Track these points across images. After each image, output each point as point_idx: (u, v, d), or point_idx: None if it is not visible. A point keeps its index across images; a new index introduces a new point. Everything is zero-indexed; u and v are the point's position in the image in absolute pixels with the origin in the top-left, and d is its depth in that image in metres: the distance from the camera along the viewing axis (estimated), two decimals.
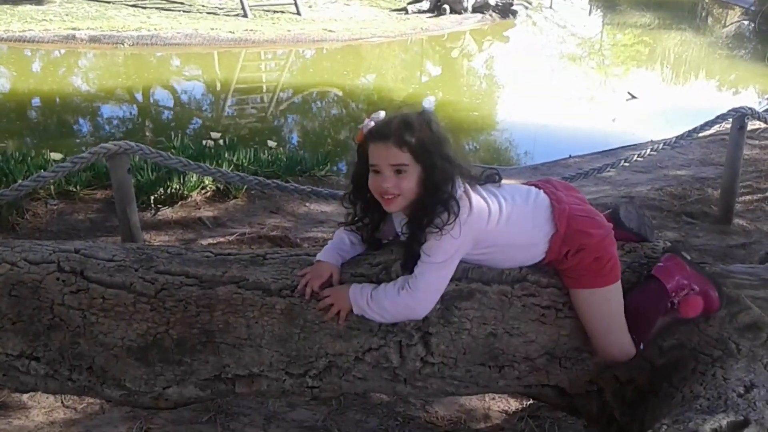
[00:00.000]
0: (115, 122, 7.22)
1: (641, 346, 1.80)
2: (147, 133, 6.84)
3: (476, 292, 1.75)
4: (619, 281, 1.78)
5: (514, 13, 13.70)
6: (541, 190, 1.82)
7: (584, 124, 7.33)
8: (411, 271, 1.71)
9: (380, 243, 1.90)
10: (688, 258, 1.85)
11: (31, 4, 11.79)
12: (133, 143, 2.91)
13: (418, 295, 1.69)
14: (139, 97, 8.33)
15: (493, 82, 10.45)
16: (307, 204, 4.34)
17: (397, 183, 1.66)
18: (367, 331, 1.77)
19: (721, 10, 17.56)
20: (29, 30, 9.97)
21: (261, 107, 8.14)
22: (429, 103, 8.77)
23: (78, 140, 6.50)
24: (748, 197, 4.30)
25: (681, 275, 1.79)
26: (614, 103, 8.43)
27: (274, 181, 3.24)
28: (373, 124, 1.71)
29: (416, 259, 1.70)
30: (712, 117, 3.90)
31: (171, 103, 8.22)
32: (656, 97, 8.94)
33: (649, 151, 3.74)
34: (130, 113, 7.66)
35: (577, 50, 13.09)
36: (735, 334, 1.81)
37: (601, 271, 1.73)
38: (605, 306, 1.77)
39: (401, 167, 1.65)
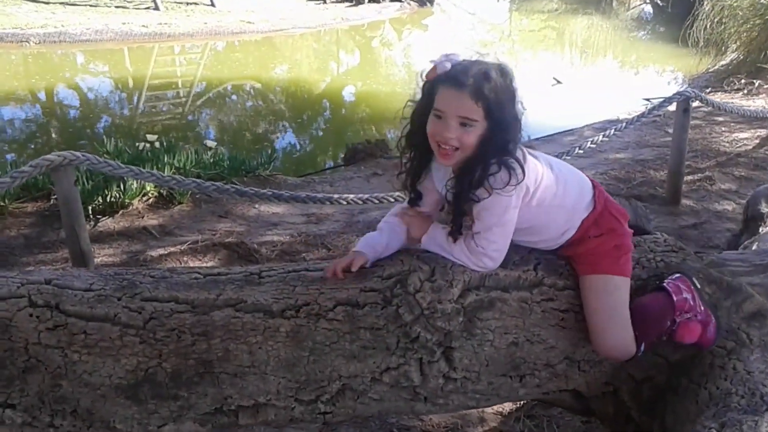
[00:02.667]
0: (31, 127, 6.73)
1: (641, 349, 1.76)
2: (67, 139, 6.40)
3: (497, 301, 1.68)
4: (629, 279, 1.75)
5: (432, 1, 13.77)
6: None
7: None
8: (459, 232, 1.64)
9: (421, 196, 1.77)
10: (698, 285, 1.82)
11: None
12: (78, 153, 2.66)
13: (483, 252, 1.65)
14: (56, 100, 7.80)
15: (414, 69, 10.44)
16: (257, 206, 4.16)
17: (461, 136, 1.54)
18: (384, 350, 1.66)
19: None
20: None
21: (188, 105, 7.79)
22: (349, 91, 8.68)
23: None
24: (690, 177, 4.44)
25: (689, 296, 1.76)
26: (539, 88, 8.59)
27: (234, 185, 3.06)
28: (449, 65, 1.57)
29: (463, 216, 1.62)
30: (634, 99, 3.97)
31: (90, 104, 7.74)
32: (574, 82, 9.14)
33: (601, 137, 3.79)
34: (48, 118, 7.15)
35: (488, 36, 13.25)
36: (743, 324, 1.81)
37: (618, 260, 1.71)
38: (615, 295, 1.72)
39: (470, 121, 1.54)
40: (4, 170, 4.57)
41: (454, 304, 1.65)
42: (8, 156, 5.96)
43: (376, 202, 3.35)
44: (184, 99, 8.05)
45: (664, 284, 1.78)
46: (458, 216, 1.65)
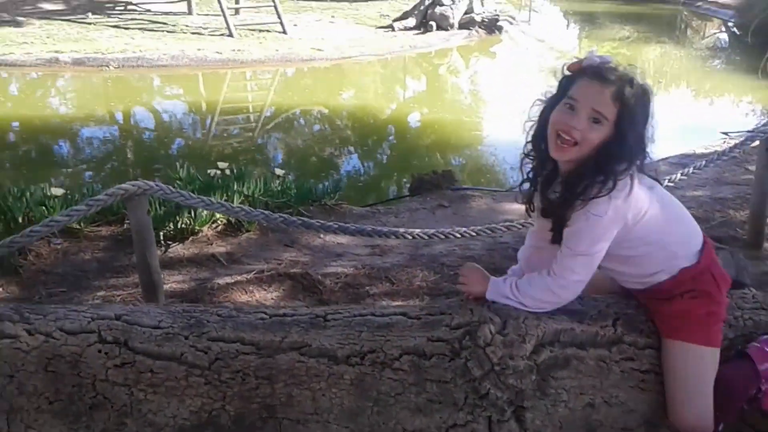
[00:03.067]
0: (109, 148, 6.99)
1: (720, 427, 1.64)
2: (143, 160, 6.61)
3: (572, 359, 1.59)
4: (718, 351, 1.63)
5: (500, 28, 13.69)
6: None
7: None
8: (560, 241, 1.58)
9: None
10: None
11: (10, 26, 11.51)
12: (152, 183, 2.72)
13: (563, 281, 1.57)
14: (133, 123, 8.11)
15: (481, 97, 10.38)
16: (322, 236, 4.16)
17: (587, 130, 1.50)
18: (451, 405, 1.60)
19: (700, 22, 17.75)
20: (10, 53, 9.70)
21: (258, 130, 7.95)
22: (415, 118, 8.67)
23: (69, 168, 6.26)
24: None
25: None
26: None
27: (300, 218, 3.06)
28: (598, 61, 1.54)
29: (563, 225, 1.56)
30: (713, 132, 3.79)
31: (165, 127, 8.00)
32: None
33: (680, 175, 3.63)
34: (125, 140, 7.42)
35: (557, 63, 13.05)
36: None
37: (709, 329, 1.59)
38: (700, 367, 1.61)
39: (602, 118, 1.49)
40: (80, 190, 4.76)
41: (527, 361, 1.57)
42: (87, 173, 6.22)
43: (442, 237, 3.29)
44: (254, 124, 8.22)
45: (748, 351, 1.65)
46: (558, 227, 1.59)
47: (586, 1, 21.30)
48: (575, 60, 1.58)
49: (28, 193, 3.98)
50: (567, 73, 1.59)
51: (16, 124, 7.71)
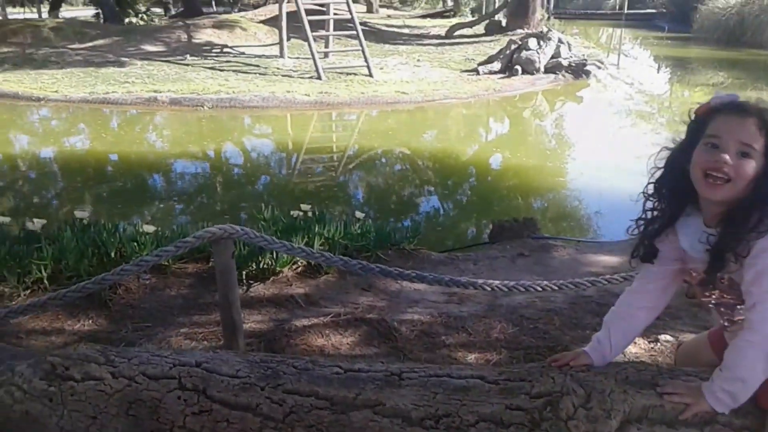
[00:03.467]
0: (199, 185, 7.29)
1: None
2: (231, 198, 6.85)
3: None
4: None
5: (587, 73, 13.52)
6: None
7: None
8: (713, 285, 1.51)
9: (655, 253, 1.64)
10: None
11: (114, 66, 12.31)
12: (237, 227, 2.79)
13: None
14: (223, 160, 8.45)
15: (566, 141, 10.20)
16: (400, 281, 4.15)
17: (738, 165, 1.44)
18: None
19: None
20: (113, 92, 10.33)
21: (340, 170, 8.10)
22: (497, 161, 8.60)
23: (161, 203, 6.55)
24: None
25: None
26: None
27: (378, 265, 3.07)
28: (728, 99, 1.51)
29: (719, 270, 1.48)
30: None
31: (254, 167, 8.28)
32: None
33: None
34: (215, 177, 7.72)
35: (646, 108, 12.72)
36: None
37: None
38: None
39: (750, 150, 1.44)
40: (170, 226, 4.96)
41: None
42: (177, 206, 6.51)
43: (522, 290, 3.21)
44: (337, 164, 8.38)
45: None
46: (714, 270, 1.50)
47: (678, 46, 20.80)
48: (700, 104, 1.54)
49: (121, 229, 4.17)
50: (694, 117, 1.55)
51: (114, 157, 8.17)
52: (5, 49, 13.78)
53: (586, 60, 13.64)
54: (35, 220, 4.17)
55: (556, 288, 3.24)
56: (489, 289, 3.19)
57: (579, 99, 12.82)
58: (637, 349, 3.26)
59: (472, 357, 3.19)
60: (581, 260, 4.69)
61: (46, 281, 3.62)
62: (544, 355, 3.17)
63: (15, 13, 20.82)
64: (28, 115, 10.18)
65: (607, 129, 10.29)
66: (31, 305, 2.54)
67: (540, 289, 3.21)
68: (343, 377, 1.73)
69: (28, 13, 20.50)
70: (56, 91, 10.58)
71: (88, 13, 19.52)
